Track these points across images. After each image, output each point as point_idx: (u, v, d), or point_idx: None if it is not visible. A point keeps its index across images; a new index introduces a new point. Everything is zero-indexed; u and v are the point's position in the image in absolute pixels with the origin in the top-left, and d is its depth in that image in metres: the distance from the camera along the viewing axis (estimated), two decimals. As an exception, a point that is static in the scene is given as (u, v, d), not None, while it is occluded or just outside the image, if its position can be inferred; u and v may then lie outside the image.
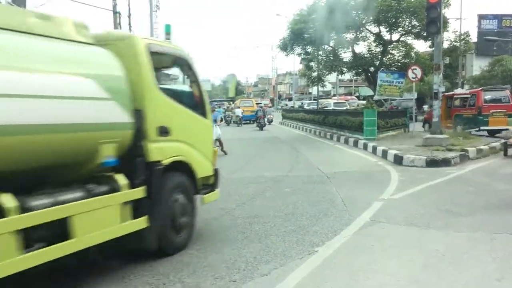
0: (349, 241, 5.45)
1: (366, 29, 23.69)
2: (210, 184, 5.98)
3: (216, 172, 6.08)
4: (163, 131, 4.96)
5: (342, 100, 42.60)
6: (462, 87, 38.28)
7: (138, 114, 4.65)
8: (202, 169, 5.65)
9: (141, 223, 4.54)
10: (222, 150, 14.49)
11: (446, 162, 11.43)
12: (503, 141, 13.37)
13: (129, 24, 21.50)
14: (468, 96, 19.79)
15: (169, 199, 4.99)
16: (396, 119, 20.49)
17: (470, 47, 28.52)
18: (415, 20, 21.38)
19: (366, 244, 5.29)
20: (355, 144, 16.97)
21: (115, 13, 20.25)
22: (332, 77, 38.79)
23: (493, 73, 40.93)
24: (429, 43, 21.89)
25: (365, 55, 24.21)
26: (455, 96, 20.81)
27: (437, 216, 6.46)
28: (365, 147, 15.73)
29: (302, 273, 4.42)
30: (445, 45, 22.41)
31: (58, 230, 3.75)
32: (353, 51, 24.47)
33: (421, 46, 25.29)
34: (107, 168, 4.40)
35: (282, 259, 4.82)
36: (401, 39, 23.70)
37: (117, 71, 4.53)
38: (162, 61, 5.32)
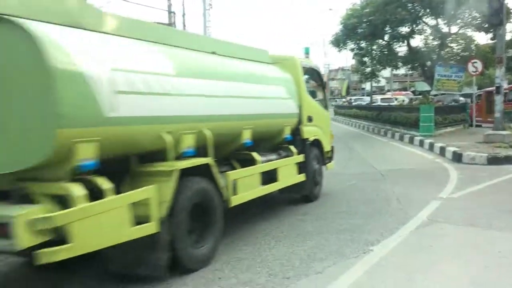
0: (406, 240, 5.32)
1: (423, 22, 22.96)
2: (329, 157, 8.38)
3: (332, 148, 8.55)
4: (310, 119, 7.54)
5: (391, 96, 41.09)
6: (527, 81, 36.35)
7: (299, 108, 7.22)
8: (327, 146, 8.17)
9: (302, 177, 7.07)
10: None
11: (509, 160, 10.89)
12: None
13: (183, 23, 21.96)
14: (507, 91, 18.86)
15: (312, 164, 7.50)
16: (454, 115, 19.73)
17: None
18: (475, 11, 20.49)
19: (423, 244, 5.15)
20: (411, 140, 16.52)
21: (170, 12, 20.75)
22: (386, 72, 37.90)
23: (561, 66, 38.54)
24: (490, 35, 20.92)
25: (422, 49, 23.51)
26: None
27: (498, 217, 6.18)
28: (421, 144, 15.28)
29: (357, 272, 4.36)
30: (508, 37, 21.32)
31: (271, 176, 6.18)
32: (409, 45, 23.79)
33: (482, 38, 24.23)
34: (286, 142, 6.92)
35: (337, 257, 4.77)
36: (460, 31, 22.80)
37: (290, 80, 7.16)
38: (305, 72, 7.83)
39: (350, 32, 22.93)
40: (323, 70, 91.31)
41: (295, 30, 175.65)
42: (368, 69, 26.70)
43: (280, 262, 4.70)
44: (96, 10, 4.31)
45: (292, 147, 6.93)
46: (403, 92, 48.30)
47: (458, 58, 22.71)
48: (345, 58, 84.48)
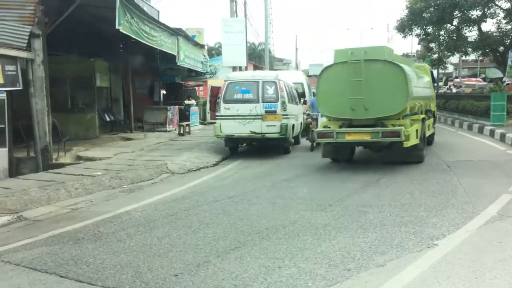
0: (473, 236, 5.10)
1: (496, 5, 21.68)
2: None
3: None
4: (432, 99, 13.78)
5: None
6: None
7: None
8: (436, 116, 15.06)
9: (433, 130, 13.28)
10: None
11: None
12: None
13: (245, 12, 22.04)
14: None
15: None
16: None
17: None
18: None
19: (492, 241, 4.91)
20: (480, 130, 15.75)
21: (232, 1, 20.87)
22: (454, 59, 36.20)
23: None
24: None
25: (494, 34, 22.20)
26: None
27: None
28: (491, 134, 14.52)
29: (421, 266, 4.24)
30: None
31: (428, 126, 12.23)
32: (480, 30, 22.57)
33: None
34: (427, 111, 12.47)
35: (399, 251, 4.67)
36: (537, 14, 21.30)
37: (428, 78, 13.53)
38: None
39: (417, 17, 22.08)
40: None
41: (358, 16, 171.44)
42: (435, 55, 25.57)
43: (340, 253, 4.66)
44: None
45: (430, 114, 12.54)
46: (473, 79, 45.92)
47: (535, 42, 21.24)
48: (411, 44, 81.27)
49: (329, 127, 9.77)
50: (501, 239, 4.96)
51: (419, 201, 6.72)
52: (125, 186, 8.72)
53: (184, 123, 18.11)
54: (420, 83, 11.21)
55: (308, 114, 13.75)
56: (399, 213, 6.10)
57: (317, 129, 10.26)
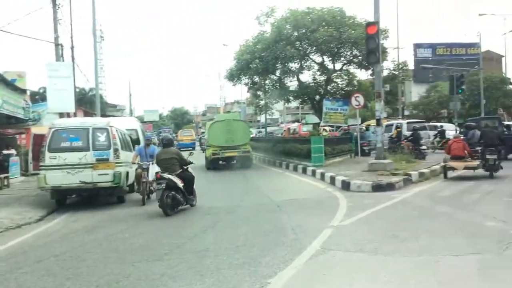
0: (301, 271, 5.47)
1: (310, 58, 24.39)
2: None
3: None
4: None
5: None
6: (403, 113, 40.10)
7: None
8: None
9: None
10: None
11: (390, 187, 11.81)
12: (442, 164, 14.02)
13: (72, 56, 21.01)
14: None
15: None
16: (342, 145, 21.03)
17: (408, 75, 30.01)
18: (356, 50, 22.27)
19: (317, 273, 5.34)
20: (304, 171, 17.23)
21: (57, 45, 19.76)
22: (279, 105, 39.46)
23: (430, 99, 43.23)
24: (370, 71, 22.81)
25: (310, 84, 24.85)
26: None
27: (384, 242, 6.63)
28: (313, 173, 16.00)
29: (255, 307, 4.38)
30: (385, 73, 23.46)
31: None
32: (299, 80, 25.06)
33: (363, 75, 26.33)
34: None
35: (235, 294, 4.76)
36: (344, 68, 24.56)
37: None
38: None
39: (244, 67, 23.62)
40: (219, 103, 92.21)
41: (191, 64, 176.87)
42: (262, 102, 27.60)
43: (177, 303, 4.56)
44: None
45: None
46: (295, 124, 50.56)
47: (343, 92, 24.32)
48: (240, 91, 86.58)
49: (216, 150, 19.94)
50: (324, 271, 5.42)
51: (253, 242, 6.99)
52: None
53: (2, 176, 16.21)
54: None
55: (138, 164, 12.17)
56: (234, 255, 6.25)
57: (209, 152, 20.32)
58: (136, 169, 12.21)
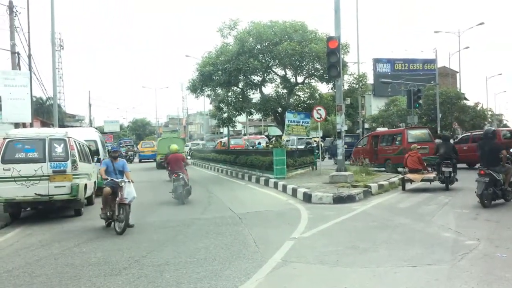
0: (262, 283, 5.46)
1: (273, 71, 24.61)
2: None
3: None
4: None
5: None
6: (363, 126, 40.99)
7: None
8: None
9: None
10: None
11: (351, 198, 12.00)
12: (401, 176, 14.37)
13: (29, 65, 20.38)
14: None
15: None
16: (304, 158, 21.25)
17: (367, 89, 30.74)
18: (317, 64, 22.64)
19: (278, 286, 5.34)
20: (266, 183, 17.27)
21: (14, 53, 19.16)
22: (242, 118, 39.55)
23: (389, 112, 44.38)
24: (331, 85, 23.19)
25: (273, 97, 25.04)
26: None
27: (344, 253, 6.71)
28: (275, 186, 16.06)
29: (215, 321, 4.32)
30: (345, 86, 23.90)
31: None
32: (262, 93, 25.21)
33: (324, 88, 26.74)
34: None
35: (195, 308, 4.68)
36: (305, 81, 24.89)
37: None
38: None
39: (206, 79, 23.55)
40: (182, 115, 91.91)
41: (153, 74, 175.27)
42: (225, 115, 27.58)
43: (135, 319, 4.44)
44: None
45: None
46: (258, 136, 50.79)
47: (305, 105, 24.60)
48: (203, 103, 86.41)
49: (161, 156, 26.31)
50: (285, 283, 5.42)
51: (214, 255, 6.92)
52: None
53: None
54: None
55: (106, 180, 9.82)
56: (195, 269, 6.17)
57: (158, 158, 28.75)
58: (103, 186, 10.02)
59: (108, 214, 9.71)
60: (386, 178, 15.81)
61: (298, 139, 29.72)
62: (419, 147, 15.44)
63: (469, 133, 23.47)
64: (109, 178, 9.77)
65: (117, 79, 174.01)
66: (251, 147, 33.87)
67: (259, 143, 36.67)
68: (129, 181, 9.56)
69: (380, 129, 26.35)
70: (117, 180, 9.59)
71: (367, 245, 7.16)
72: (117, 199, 9.35)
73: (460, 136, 24.91)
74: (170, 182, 14.14)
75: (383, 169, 20.69)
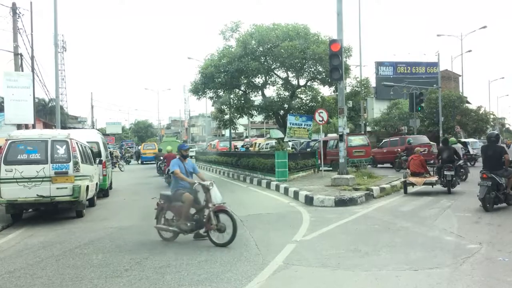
0: (263, 286, 5.45)
1: (275, 74, 24.60)
2: None
3: None
4: None
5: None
6: (365, 128, 40.99)
7: None
8: None
9: None
10: None
11: (353, 201, 11.99)
12: (402, 179, 14.35)
13: (32, 66, 20.43)
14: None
15: None
16: (306, 160, 21.22)
17: (370, 92, 30.72)
18: (320, 66, 22.62)
19: (279, 289, 5.32)
20: (268, 185, 17.26)
21: (17, 54, 19.21)
22: (244, 120, 39.59)
23: (391, 115, 44.36)
24: (333, 88, 23.18)
25: (275, 99, 25.03)
26: None
27: (346, 256, 6.70)
28: (277, 188, 16.05)
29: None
30: (348, 90, 23.88)
31: None
32: (264, 95, 25.20)
33: (327, 91, 26.72)
34: None
35: (196, 311, 4.67)
36: (308, 84, 24.87)
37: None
38: None
39: (209, 80, 23.55)
40: (184, 117, 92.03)
41: (156, 76, 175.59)
42: (227, 117, 27.58)
43: (136, 321, 4.44)
44: None
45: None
46: (261, 139, 50.77)
47: (307, 108, 24.57)
48: (205, 105, 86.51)
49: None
50: (287, 286, 5.41)
51: (215, 257, 6.92)
52: None
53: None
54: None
55: (195, 184, 8.23)
56: (196, 271, 6.17)
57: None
58: (182, 192, 8.23)
59: (188, 224, 8.06)
60: (388, 181, 15.79)
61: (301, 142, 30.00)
62: (422, 150, 15.44)
63: (388, 139, 28.43)
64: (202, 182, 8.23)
65: (119, 81, 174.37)
66: (235, 149, 33.95)
67: (242, 146, 36.84)
68: (211, 183, 8.15)
69: (330, 135, 28.03)
70: (202, 182, 8.16)
71: (368, 248, 7.15)
72: (209, 205, 7.92)
73: (384, 140, 28.68)
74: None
75: (331, 168, 22.76)
